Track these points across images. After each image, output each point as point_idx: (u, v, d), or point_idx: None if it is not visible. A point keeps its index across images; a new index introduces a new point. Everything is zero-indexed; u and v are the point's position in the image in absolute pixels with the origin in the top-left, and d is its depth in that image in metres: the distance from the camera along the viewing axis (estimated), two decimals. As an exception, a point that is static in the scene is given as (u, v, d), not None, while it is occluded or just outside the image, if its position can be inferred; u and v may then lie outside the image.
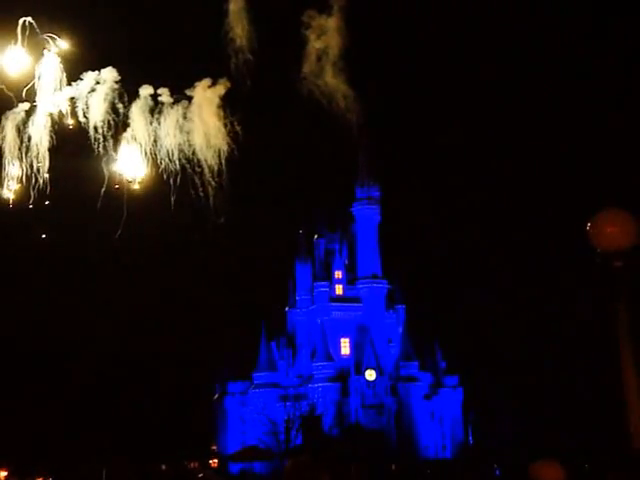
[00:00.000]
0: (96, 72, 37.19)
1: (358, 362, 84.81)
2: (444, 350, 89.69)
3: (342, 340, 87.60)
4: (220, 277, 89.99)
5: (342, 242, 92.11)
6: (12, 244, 63.85)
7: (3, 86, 37.48)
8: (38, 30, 36.96)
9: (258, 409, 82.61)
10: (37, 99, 39.18)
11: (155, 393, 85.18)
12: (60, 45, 37.38)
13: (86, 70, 37.90)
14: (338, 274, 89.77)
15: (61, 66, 37.69)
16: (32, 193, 40.66)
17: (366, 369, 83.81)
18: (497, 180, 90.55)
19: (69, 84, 37.96)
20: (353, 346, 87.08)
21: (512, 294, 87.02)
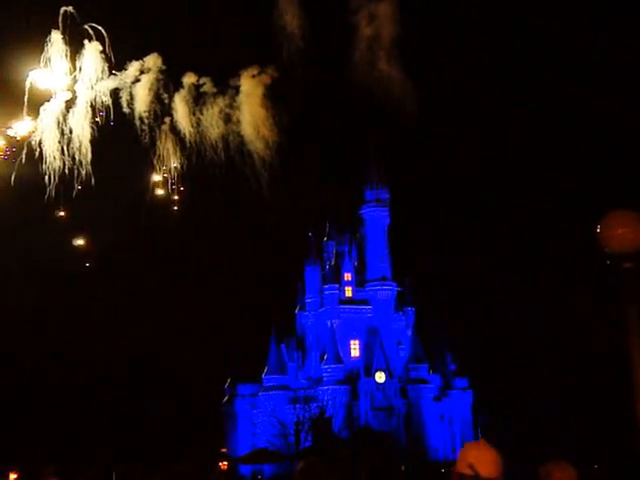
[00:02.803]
0: (140, 61, 36.47)
1: (368, 364, 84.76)
2: (454, 352, 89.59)
3: (352, 342, 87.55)
4: (230, 279, 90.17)
5: (351, 244, 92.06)
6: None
7: (44, 78, 36.94)
8: (79, 20, 36.33)
9: (268, 411, 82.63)
10: (78, 90, 38.44)
11: (165, 395, 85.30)
12: (101, 35, 36.79)
13: (129, 60, 37.13)
14: (347, 276, 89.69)
15: (103, 56, 37.00)
16: (75, 185, 40.20)
17: (376, 371, 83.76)
18: (509, 182, 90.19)
19: (112, 74, 37.32)
20: (363, 348, 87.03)
21: (522, 296, 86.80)
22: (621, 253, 8.33)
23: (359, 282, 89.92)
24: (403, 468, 62.37)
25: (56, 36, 36.71)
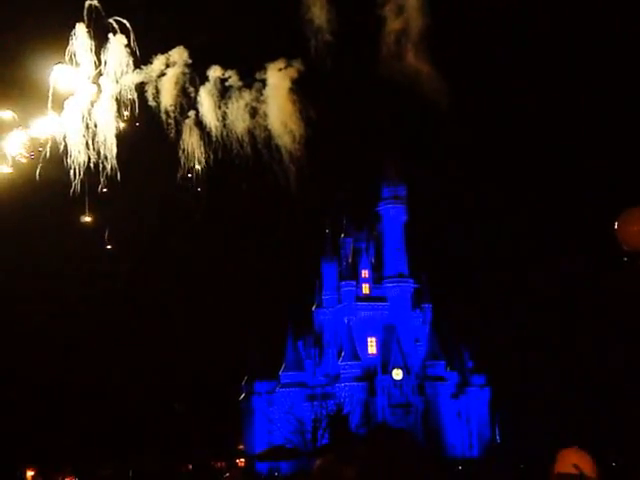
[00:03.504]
0: (165, 55, 36.37)
1: (385, 361, 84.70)
2: (471, 349, 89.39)
3: (369, 339, 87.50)
4: (247, 276, 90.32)
5: (369, 241, 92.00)
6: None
7: (69, 73, 36.89)
8: (104, 13, 36.32)
9: (285, 408, 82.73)
10: (103, 84, 38.43)
11: (182, 393, 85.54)
12: (126, 28, 36.73)
13: (154, 53, 37.01)
14: (365, 273, 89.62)
15: (128, 50, 36.97)
16: (101, 180, 40.22)
17: (393, 368, 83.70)
18: (526, 178, 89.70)
19: (137, 68, 37.28)
20: (380, 345, 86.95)
21: (540, 291, 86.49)
22: (638, 250, 8.29)
23: (376, 279, 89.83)
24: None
25: (81, 30, 36.74)
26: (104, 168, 40.04)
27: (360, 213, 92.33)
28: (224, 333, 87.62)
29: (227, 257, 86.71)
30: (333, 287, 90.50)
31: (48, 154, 40.20)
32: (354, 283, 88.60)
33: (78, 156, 40.02)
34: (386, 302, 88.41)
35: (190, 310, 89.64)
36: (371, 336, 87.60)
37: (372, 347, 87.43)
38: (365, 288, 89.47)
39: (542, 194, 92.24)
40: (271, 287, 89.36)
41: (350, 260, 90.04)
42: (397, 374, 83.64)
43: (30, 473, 75.10)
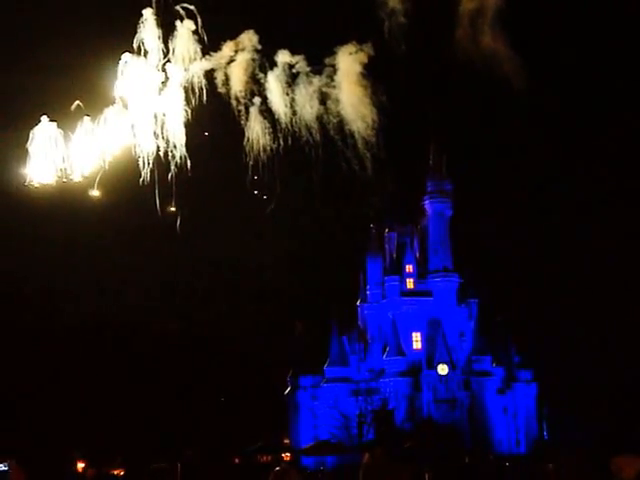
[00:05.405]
0: (234, 41, 36.12)
1: (430, 356, 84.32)
2: (517, 344, 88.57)
3: (413, 334, 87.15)
4: (293, 271, 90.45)
5: (413, 236, 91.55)
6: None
7: (137, 61, 36.95)
8: (172, 1, 36.28)
9: (330, 403, 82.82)
10: (171, 72, 38.36)
11: (229, 387, 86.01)
12: (194, 15, 36.61)
13: (222, 40, 36.79)
14: (409, 268, 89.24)
15: (195, 37, 36.85)
16: (171, 169, 40.26)
17: (438, 363, 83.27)
18: (576, 174, 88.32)
19: (206, 54, 37.14)
20: (425, 340, 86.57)
21: (587, 286, 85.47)
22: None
23: (420, 274, 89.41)
24: (467, 461, 61.97)
25: (148, 18, 36.74)
26: (173, 157, 40.00)
27: (405, 208, 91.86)
28: (270, 327, 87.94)
29: (277, 250, 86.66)
30: (377, 282, 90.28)
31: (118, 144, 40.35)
32: (398, 278, 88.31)
33: (147, 146, 40.02)
34: (431, 297, 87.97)
35: (236, 303, 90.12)
36: (416, 331, 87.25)
37: (417, 342, 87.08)
38: (409, 283, 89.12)
39: (592, 189, 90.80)
40: (316, 282, 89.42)
41: (394, 255, 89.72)
42: (442, 369, 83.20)
43: (81, 465, 75.96)
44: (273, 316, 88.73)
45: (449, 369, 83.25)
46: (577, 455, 6.67)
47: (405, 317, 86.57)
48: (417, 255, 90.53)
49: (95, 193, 46.08)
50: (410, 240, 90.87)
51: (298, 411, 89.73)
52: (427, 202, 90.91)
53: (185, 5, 36.40)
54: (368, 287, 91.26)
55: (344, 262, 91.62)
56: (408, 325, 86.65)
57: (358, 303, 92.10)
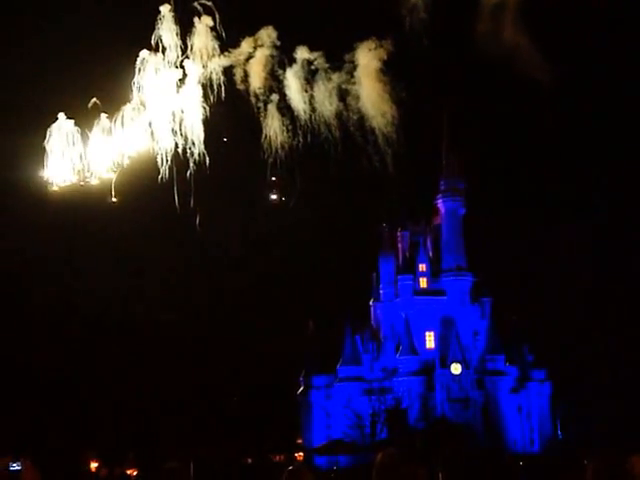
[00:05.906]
0: (252, 37, 35.81)
1: (443, 355, 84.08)
2: (531, 343, 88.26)
3: (427, 333, 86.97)
4: (305, 270, 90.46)
5: (426, 235, 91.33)
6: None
7: (155, 58, 36.74)
8: None
9: (343, 402, 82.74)
10: (189, 69, 38.09)
11: (241, 387, 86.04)
12: (212, 11, 36.29)
13: (240, 36, 36.50)
14: (422, 267, 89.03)
15: (213, 33, 36.55)
16: (190, 165, 40.05)
17: (451, 362, 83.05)
18: (589, 174, 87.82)
19: (225, 51, 36.82)
20: (438, 339, 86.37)
21: (602, 285, 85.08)
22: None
23: (434, 272, 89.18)
24: (481, 460, 61.68)
25: (166, 14, 36.51)
26: (192, 153, 39.78)
27: (418, 207, 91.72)
28: (283, 327, 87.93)
29: (291, 249, 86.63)
30: (390, 281, 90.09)
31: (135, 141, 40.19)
32: (411, 277, 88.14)
33: (165, 142, 39.83)
34: (444, 296, 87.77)
35: (249, 302, 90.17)
36: (429, 330, 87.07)
37: (430, 341, 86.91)
38: (422, 282, 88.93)
39: (603, 188, 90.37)
40: (328, 281, 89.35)
41: (407, 254, 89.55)
42: (456, 368, 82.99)
43: (94, 464, 76.17)
44: (287, 315, 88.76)
45: (462, 368, 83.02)
46: (612, 455, 6.53)
47: (418, 316, 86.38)
48: (430, 254, 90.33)
49: (113, 199, 46.10)
50: (423, 239, 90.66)
51: (311, 410, 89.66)
52: (440, 201, 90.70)
53: (203, 1, 36.21)
54: (381, 286, 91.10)
55: (357, 261, 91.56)
56: (421, 324, 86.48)
57: (371, 302, 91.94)
